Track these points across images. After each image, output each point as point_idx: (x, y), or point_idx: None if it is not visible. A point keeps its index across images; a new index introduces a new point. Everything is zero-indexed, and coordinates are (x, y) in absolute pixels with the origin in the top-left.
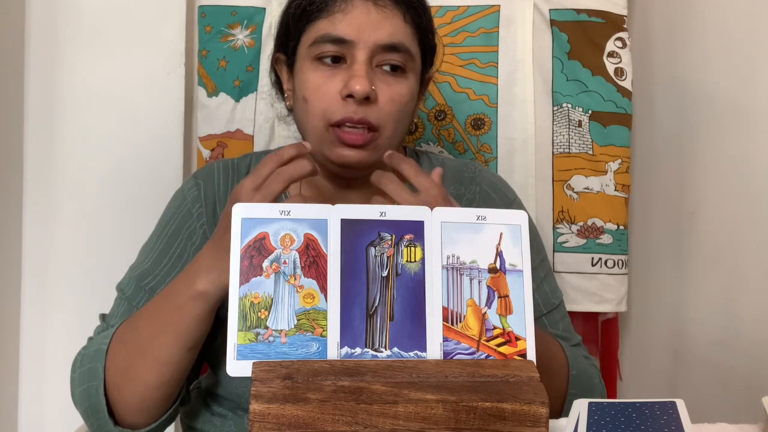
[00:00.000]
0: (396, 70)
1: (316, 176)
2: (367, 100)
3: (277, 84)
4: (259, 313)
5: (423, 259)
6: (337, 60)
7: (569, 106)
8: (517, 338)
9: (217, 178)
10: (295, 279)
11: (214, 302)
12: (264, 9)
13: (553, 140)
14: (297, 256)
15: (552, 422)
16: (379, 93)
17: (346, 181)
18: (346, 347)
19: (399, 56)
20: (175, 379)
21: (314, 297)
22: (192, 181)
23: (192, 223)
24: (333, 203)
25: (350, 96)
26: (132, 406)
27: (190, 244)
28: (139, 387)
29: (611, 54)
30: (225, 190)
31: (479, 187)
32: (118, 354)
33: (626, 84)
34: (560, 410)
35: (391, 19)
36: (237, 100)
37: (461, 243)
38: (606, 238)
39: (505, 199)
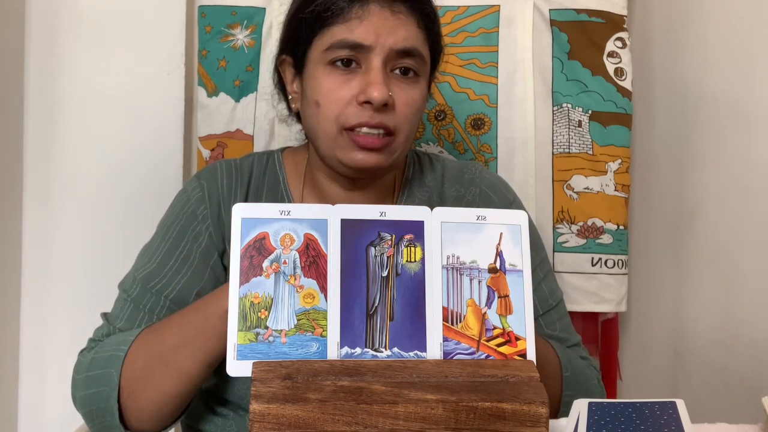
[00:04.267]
0: (409, 74)
1: (319, 179)
2: (385, 106)
3: (280, 85)
4: (259, 313)
5: (423, 259)
6: (351, 64)
7: (569, 106)
8: (517, 338)
9: (220, 178)
10: (295, 279)
11: None
12: (264, 9)
13: (553, 140)
14: (297, 256)
15: (552, 422)
16: (395, 98)
17: (350, 182)
18: (346, 347)
19: (413, 61)
20: (190, 392)
21: (314, 297)
22: (195, 182)
23: (197, 225)
24: (334, 203)
25: (367, 102)
26: (146, 413)
27: (196, 246)
28: (157, 396)
29: (611, 54)
30: (229, 191)
31: (479, 188)
32: (138, 361)
33: (626, 84)
34: (556, 412)
35: (406, 25)
36: (237, 100)
37: (461, 243)
38: (606, 238)
39: (505, 200)
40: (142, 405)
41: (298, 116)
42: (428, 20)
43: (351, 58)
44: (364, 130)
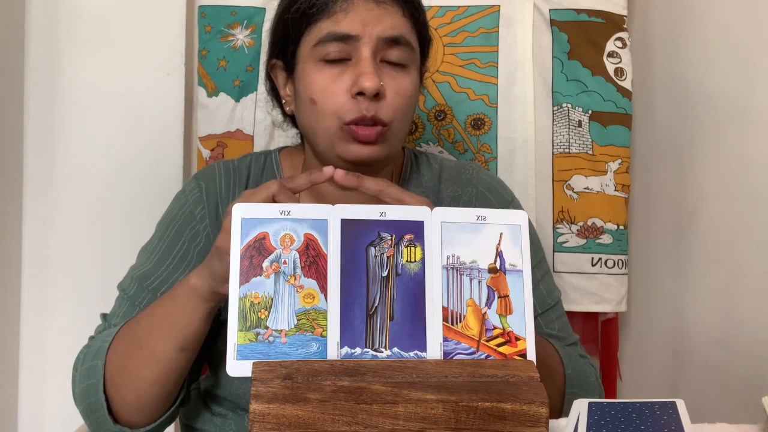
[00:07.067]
0: (399, 63)
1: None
2: (377, 96)
3: (273, 91)
4: (259, 313)
5: (423, 259)
6: (342, 59)
7: (569, 106)
8: (517, 338)
9: (218, 179)
10: (295, 279)
11: (203, 298)
12: (264, 9)
13: (553, 140)
14: (297, 256)
15: (552, 422)
16: (386, 88)
17: None
18: (346, 347)
19: (401, 49)
20: (170, 379)
21: (314, 297)
22: (193, 183)
23: (195, 225)
24: (334, 204)
25: (361, 93)
26: (129, 402)
27: (194, 246)
28: (135, 383)
29: (611, 54)
30: (227, 192)
31: (476, 188)
32: (118, 350)
33: (626, 84)
34: (560, 410)
35: (392, 14)
36: (237, 100)
37: (461, 243)
38: (606, 238)
39: (502, 200)
40: (123, 394)
41: (292, 120)
42: (413, 9)
43: (342, 53)
44: (360, 125)
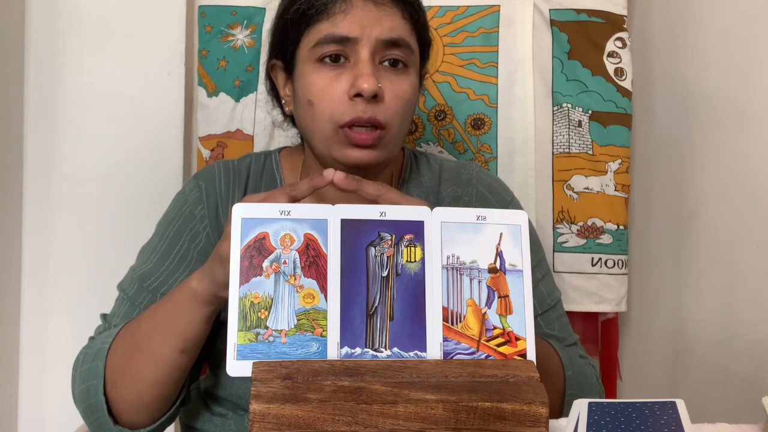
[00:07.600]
0: (398, 65)
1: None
2: (375, 98)
3: (273, 91)
4: (259, 313)
5: (423, 259)
6: (340, 60)
7: (569, 106)
8: (517, 338)
9: (218, 179)
10: (295, 279)
11: (203, 302)
12: (264, 9)
13: (553, 140)
14: (297, 256)
15: (552, 422)
16: (384, 90)
17: None
18: (346, 347)
19: (400, 51)
20: (170, 380)
21: (314, 297)
22: (193, 183)
23: (195, 225)
24: (334, 204)
25: (358, 95)
26: (129, 403)
27: (193, 246)
28: (136, 384)
29: (611, 54)
30: (227, 192)
31: (476, 189)
32: (118, 351)
33: (626, 84)
34: (560, 411)
35: (391, 16)
36: (237, 100)
37: (461, 243)
38: (606, 238)
39: (502, 200)
40: (124, 395)
41: (292, 120)
42: (413, 10)
43: (339, 53)
44: (357, 128)
